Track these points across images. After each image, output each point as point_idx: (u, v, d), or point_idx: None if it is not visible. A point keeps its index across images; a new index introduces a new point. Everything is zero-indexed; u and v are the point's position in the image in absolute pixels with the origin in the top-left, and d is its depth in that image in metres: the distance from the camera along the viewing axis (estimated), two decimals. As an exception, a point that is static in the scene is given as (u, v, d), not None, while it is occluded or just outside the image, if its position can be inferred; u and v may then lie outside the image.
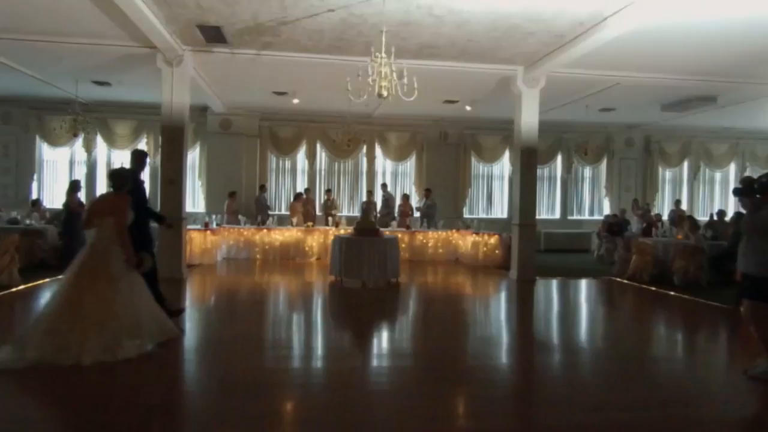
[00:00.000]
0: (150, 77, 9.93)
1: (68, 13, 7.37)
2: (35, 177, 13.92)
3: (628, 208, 14.69)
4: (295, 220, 12.77)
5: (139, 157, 6.05)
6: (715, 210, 13.70)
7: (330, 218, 13.05)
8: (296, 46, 8.66)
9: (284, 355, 5.10)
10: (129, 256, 4.81)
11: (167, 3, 7.01)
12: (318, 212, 14.20)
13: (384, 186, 14.28)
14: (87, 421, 3.41)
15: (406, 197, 14.02)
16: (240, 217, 12.75)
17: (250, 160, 14.43)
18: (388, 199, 13.96)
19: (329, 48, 8.69)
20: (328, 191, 14.35)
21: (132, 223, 4.98)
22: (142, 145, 14.10)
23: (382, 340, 5.88)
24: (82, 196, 10.83)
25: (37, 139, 13.78)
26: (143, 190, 5.95)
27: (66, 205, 10.45)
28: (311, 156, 14.89)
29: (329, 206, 13.85)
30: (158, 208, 8.76)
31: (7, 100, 13.37)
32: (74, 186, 10.60)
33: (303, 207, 13.34)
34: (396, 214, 13.83)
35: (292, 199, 13.96)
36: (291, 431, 3.51)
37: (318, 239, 12.26)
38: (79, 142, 13.59)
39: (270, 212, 13.54)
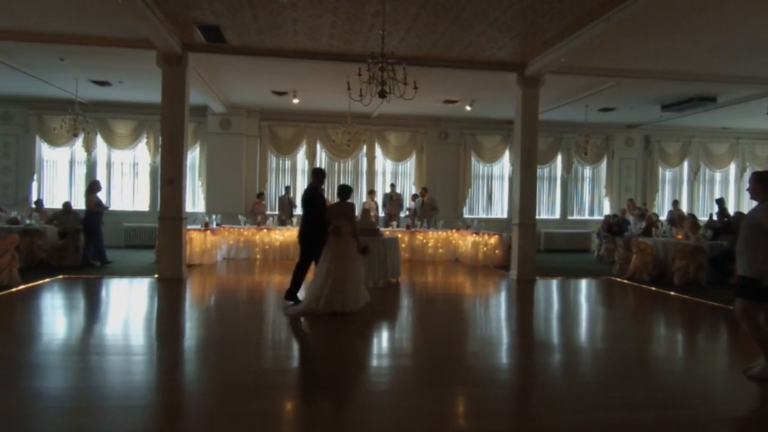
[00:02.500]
0: (150, 77, 9.94)
1: (68, 13, 7.38)
2: (35, 177, 13.94)
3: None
4: None
5: (316, 174, 7.33)
6: (715, 210, 13.67)
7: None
8: (296, 45, 8.67)
9: (284, 355, 5.10)
10: (359, 245, 6.76)
11: (167, 2, 7.01)
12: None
13: (393, 186, 14.35)
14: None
15: (414, 197, 14.12)
16: (240, 217, 12.74)
17: (250, 160, 14.46)
18: (397, 199, 14.02)
19: (329, 47, 8.69)
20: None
21: (316, 224, 6.84)
22: (142, 145, 14.19)
23: (382, 340, 5.88)
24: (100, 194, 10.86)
25: (37, 139, 13.80)
26: (323, 200, 7.23)
27: (87, 204, 10.54)
28: (311, 156, 14.90)
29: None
30: (158, 208, 9.18)
31: (7, 100, 13.40)
32: (92, 186, 10.72)
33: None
34: (401, 214, 14.02)
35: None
36: (290, 431, 3.51)
37: (318, 239, 12.24)
38: (79, 142, 13.63)
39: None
